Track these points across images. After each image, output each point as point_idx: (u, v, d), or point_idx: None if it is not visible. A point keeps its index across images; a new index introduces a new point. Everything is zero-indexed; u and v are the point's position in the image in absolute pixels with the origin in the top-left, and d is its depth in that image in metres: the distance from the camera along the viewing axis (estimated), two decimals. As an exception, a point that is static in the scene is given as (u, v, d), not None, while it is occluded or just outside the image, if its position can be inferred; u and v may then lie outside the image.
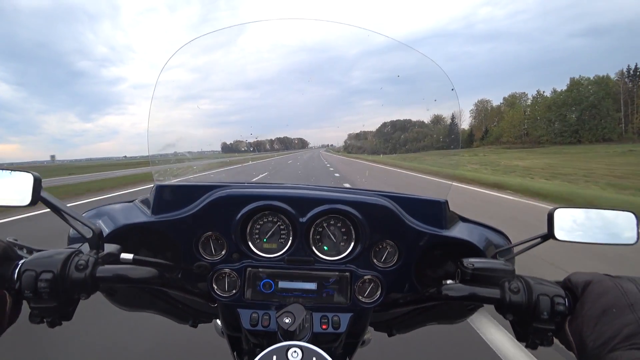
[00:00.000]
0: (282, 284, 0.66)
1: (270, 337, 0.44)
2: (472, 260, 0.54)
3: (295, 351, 0.42)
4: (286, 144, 1.85)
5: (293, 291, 0.66)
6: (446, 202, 0.74)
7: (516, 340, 0.51)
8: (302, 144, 1.92)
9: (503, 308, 0.49)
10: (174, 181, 0.83)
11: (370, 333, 0.91)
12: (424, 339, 2.10)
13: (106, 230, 0.68)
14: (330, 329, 0.64)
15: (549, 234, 0.59)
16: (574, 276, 0.48)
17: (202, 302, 0.72)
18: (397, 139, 1.39)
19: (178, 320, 0.87)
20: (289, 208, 0.66)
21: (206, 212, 0.67)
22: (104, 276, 0.49)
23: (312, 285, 0.66)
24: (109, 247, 0.55)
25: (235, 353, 0.80)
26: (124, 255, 0.56)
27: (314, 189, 0.74)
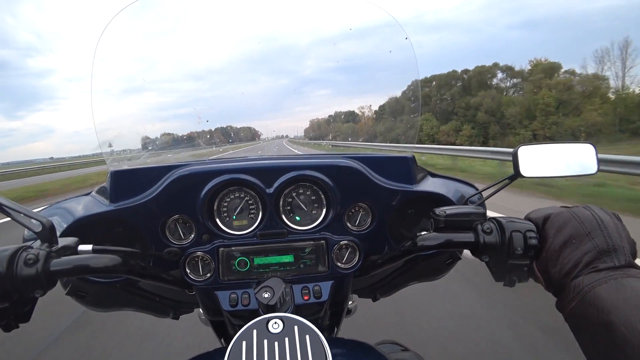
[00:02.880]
0: (258, 260, 0.65)
1: (253, 316, 0.43)
2: (443, 208, 0.53)
3: (275, 322, 0.40)
4: (230, 136, 1.75)
5: (270, 266, 0.65)
6: (413, 157, 0.73)
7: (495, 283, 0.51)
8: (252, 135, 1.86)
9: (478, 250, 0.49)
10: (129, 165, 0.77)
11: (356, 301, 0.94)
12: (408, 301, 2.21)
13: (63, 226, 0.62)
14: (313, 299, 0.63)
15: (516, 173, 0.58)
16: (533, 213, 0.48)
17: (180, 292, 0.69)
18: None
19: (158, 314, 0.82)
20: (254, 180, 0.64)
21: (168, 194, 0.64)
22: (60, 269, 0.44)
23: (288, 258, 0.65)
24: (65, 241, 0.49)
25: (222, 339, 0.78)
26: (82, 247, 0.51)
27: (278, 159, 0.72)
